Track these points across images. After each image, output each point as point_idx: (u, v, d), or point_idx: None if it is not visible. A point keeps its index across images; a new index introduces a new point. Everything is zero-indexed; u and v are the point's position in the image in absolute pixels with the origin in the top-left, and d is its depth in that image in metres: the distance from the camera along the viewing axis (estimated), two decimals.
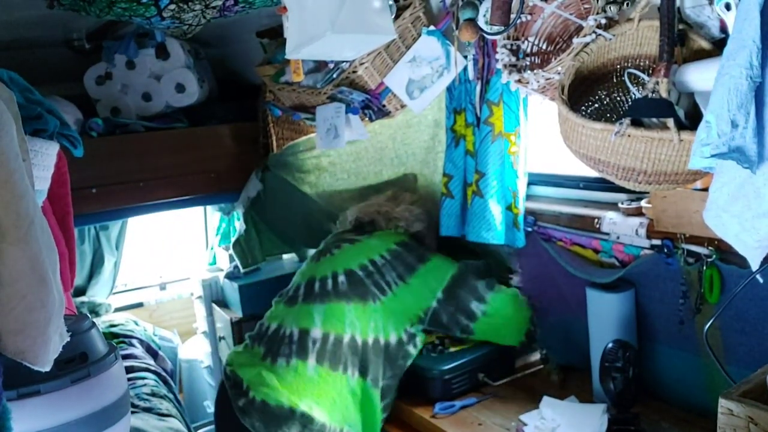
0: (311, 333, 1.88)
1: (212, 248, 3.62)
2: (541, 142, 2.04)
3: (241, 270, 3.02)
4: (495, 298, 1.99)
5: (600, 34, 1.44)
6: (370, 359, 1.88)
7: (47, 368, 1.08)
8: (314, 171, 2.70)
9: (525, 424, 1.75)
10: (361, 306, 1.90)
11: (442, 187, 2.16)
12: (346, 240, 2.14)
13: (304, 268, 2.13)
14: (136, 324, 3.47)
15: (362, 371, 1.88)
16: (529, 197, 2.02)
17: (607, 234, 1.77)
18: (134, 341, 3.25)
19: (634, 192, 1.54)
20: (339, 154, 2.55)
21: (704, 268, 1.54)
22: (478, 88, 2.00)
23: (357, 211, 2.25)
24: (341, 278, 1.95)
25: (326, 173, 2.66)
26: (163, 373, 3.01)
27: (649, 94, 1.30)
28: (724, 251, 1.49)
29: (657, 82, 1.29)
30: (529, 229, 2.01)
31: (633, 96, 1.47)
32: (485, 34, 1.76)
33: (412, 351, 1.96)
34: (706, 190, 1.36)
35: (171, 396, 2.90)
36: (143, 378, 2.92)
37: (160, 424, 2.63)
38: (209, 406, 3.51)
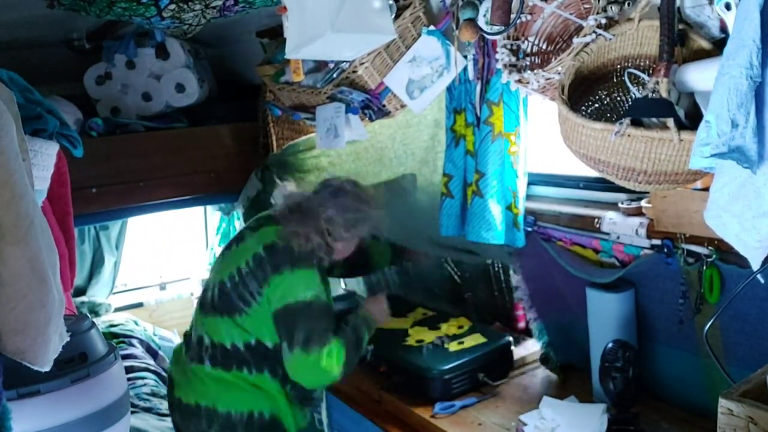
0: (204, 340, 2.02)
1: (212, 248, 3.62)
2: (541, 142, 2.03)
3: None
4: (295, 356, 1.91)
5: (600, 34, 1.44)
6: (260, 358, 1.98)
7: (47, 368, 1.08)
8: (314, 171, 2.70)
9: (525, 424, 1.75)
10: (230, 319, 1.98)
11: (442, 187, 2.16)
12: (241, 237, 2.12)
13: (214, 265, 2.20)
14: (136, 324, 3.47)
15: (257, 368, 1.98)
16: (529, 197, 2.02)
17: (607, 234, 1.76)
18: (134, 341, 3.25)
19: (634, 192, 1.54)
20: (339, 154, 2.55)
21: (704, 268, 1.54)
22: (478, 88, 1.99)
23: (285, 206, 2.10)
24: (216, 291, 2.03)
25: (326, 173, 2.66)
26: (163, 373, 3.01)
27: (649, 94, 1.30)
28: (724, 251, 1.49)
29: (657, 82, 1.29)
30: (529, 229, 2.00)
31: (633, 96, 1.47)
32: (485, 34, 1.75)
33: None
34: (706, 190, 1.36)
35: None
36: (143, 378, 2.93)
37: (160, 424, 2.63)
38: None
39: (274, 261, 1.95)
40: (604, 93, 1.55)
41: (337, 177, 2.16)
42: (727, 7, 1.20)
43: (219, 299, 2.01)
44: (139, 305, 3.80)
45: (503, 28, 1.55)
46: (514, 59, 1.63)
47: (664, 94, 1.28)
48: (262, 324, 1.95)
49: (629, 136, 1.25)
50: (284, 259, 1.94)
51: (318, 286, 1.95)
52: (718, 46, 1.32)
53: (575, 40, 1.47)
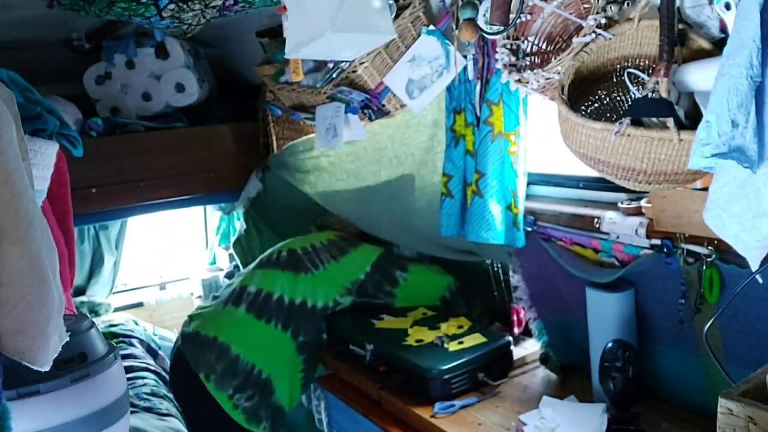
0: (248, 288, 2.32)
1: (212, 248, 3.62)
2: (541, 142, 2.03)
3: (241, 269, 3.02)
4: (415, 268, 2.41)
5: (600, 34, 1.44)
6: (294, 317, 2.27)
7: (47, 368, 1.08)
8: (314, 171, 2.70)
9: (525, 424, 1.75)
10: (292, 275, 2.32)
11: (442, 186, 2.16)
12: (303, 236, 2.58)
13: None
14: (136, 324, 3.46)
15: (285, 325, 2.26)
16: (528, 197, 2.02)
17: (607, 234, 1.76)
18: (134, 341, 3.25)
19: (633, 192, 1.54)
20: (338, 155, 2.55)
21: (704, 267, 1.54)
22: (478, 87, 1.99)
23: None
24: (284, 254, 2.41)
25: (325, 173, 2.66)
26: (163, 373, 3.00)
27: (649, 94, 1.30)
28: (723, 251, 1.49)
29: (657, 82, 1.29)
30: (529, 229, 2.00)
31: (633, 96, 1.47)
32: (485, 34, 1.75)
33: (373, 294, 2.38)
34: (705, 189, 1.35)
35: (171, 396, 2.90)
36: (143, 378, 2.92)
37: (160, 424, 2.62)
38: None
39: (351, 241, 2.52)
40: (604, 93, 1.55)
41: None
42: (727, 6, 1.20)
43: (287, 259, 2.38)
44: (139, 305, 3.80)
45: (503, 28, 1.55)
46: (513, 59, 1.63)
47: (664, 94, 1.28)
48: (319, 286, 2.31)
49: (629, 135, 1.25)
50: (359, 240, 2.54)
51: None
52: (718, 46, 1.32)
53: (575, 39, 1.47)
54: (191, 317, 2.44)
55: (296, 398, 2.39)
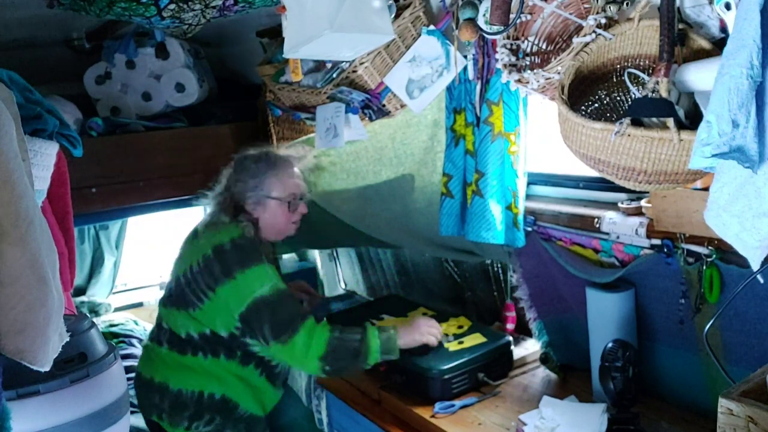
0: (163, 325, 2.16)
1: None
2: (541, 142, 2.03)
3: None
4: (275, 348, 1.99)
5: (600, 34, 1.44)
6: (215, 344, 2.07)
7: (47, 368, 1.08)
8: (314, 170, 2.70)
9: (525, 424, 1.75)
10: (186, 312, 2.08)
11: (442, 186, 2.16)
12: (195, 234, 2.17)
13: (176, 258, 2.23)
14: (136, 324, 3.47)
15: (213, 353, 2.07)
16: (528, 197, 2.02)
17: (607, 234, 1.76)
18: (134, 341, 3.25)
19: (634, 192, 1.54)
20: (339, 154, 2.55)
21: (704, 267, 1.54)
22: (478, 87, 1.99)
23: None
24: (173, 285, 2.14)
25: (326, 173, 2.66)
26: None
27: (649, 94, 1.30)
28: (724, 251, 1.49)
29: (657, 82, 1.29)
30: (529, 229, 2.00)
31: (633, 96, 1.47)
32: (485, 34, 1.75)
33: (250, 340, 2.05)
34: (706, 189, 1.36)
35: None
36: None
37: None
38: None
39: (224, 264, 1.99)
40: (604, 93, 1.55)
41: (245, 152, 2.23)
42: (727, 6, 1.20)
43: (175, 293, 2.12)
44: (139, 305, 3.80)
45: (503, 27, 1.55)
46: (513, 59, 1.63)
47: (664, 94, 1.28)
48: (215, 316, 2.03)
49: (629, 135, 1.25)
50: (233, 261, 1.99)
51: (272, 277, 2.01)
52: (718, 45, 1.32)
53: (575, 39, 1.47)
54: (144, 356, 2.27)
55: (271, 401, 2.24)
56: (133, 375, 2.86)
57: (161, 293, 3.80)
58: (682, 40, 1.35)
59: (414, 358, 2.01)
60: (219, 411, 2.09)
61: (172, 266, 2.20)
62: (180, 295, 2.08)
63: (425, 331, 2.04)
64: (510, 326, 2.29)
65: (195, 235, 2.16)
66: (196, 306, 2.04)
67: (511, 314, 2.29)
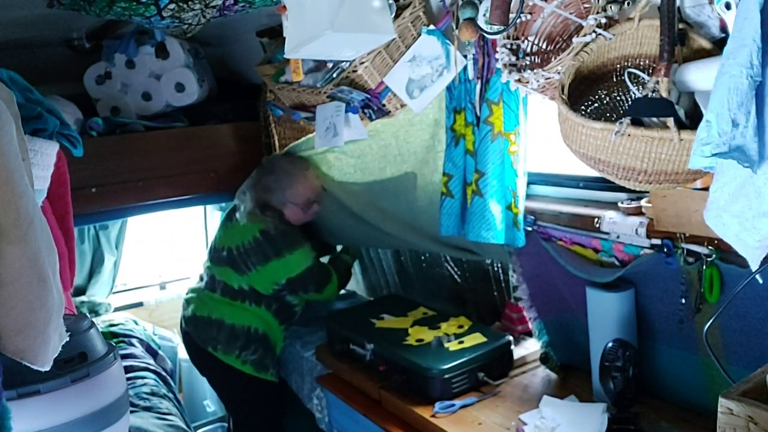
0: (216, 278, 2.75)
1: None
2: (541, 141, 2.03)
3: None
4: (313, 296, 2.75)
5: (600, 34, 1.44)
6: (256, 297, 2.68)
7: (47, 368, 1.08)
8: (321, 165, 2.69)
9: (525, 424, 1.75)
10: (237, 272, 2.68)
11: (442, 186, 2.16)
12: (236, 219, 2.75)
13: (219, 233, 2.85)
14: (136, 324, 3.46)
15: (256, 302, 2.68)
16: (528, 197, 2.02)
17: (607, 233, 1.76)
18: (134, 341, 3.25)
19: (634, 191, 1.54)
20: (343, 151, 2.54)
21: (704, 267, 1.54)
22: (478, 87, 1.99)
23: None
24: (226, 252, 2.71)
25: (332, 168, 2.66)
26: (163, 373, 3.01)
27: (650, 94, 1.30)
28: (724, 251, 1.49)
29: (657, 82, 1.29)
30: (529, 229, 2.01)
31: (633, 95, 1.47)
32: (485, 34, 1.75)
33: (287, 296, 2.72)
34: (706, 189, 1.36)
35: (171, 395, 2.90)
36: (143, 377, 2.92)
37: (160, 423, 2.63)
38: (209, 406, 3.51)
39: (274, 246, 2.63)
40: (604, 92, 1.55)
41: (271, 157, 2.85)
42: (727, 6, 1.20)
43: (228, 259, 2.69)
44: (139, 305, 3.80)
45: (503, 27, 1.55)
46: (513, 59, 1.63)
47: (664, 94, 1.28)
48: (259, 282, 2.65)
49: (629, 135, 1.25)
50: (283, 245, 2.64)
51: (310, 253, 2.69)
52: (718, 45, 1.32)
53: (575, 39, 1.47)
54: (187, 301, 2.83)
55: (280, 339, 2.80)
56: (133, 375, 2.87)
57: (161, 293, 3.85)
58: (682, 40, 1.35)
59: (414, 357, 2.01)
60: (262, 344, 2.69)
61: (220, 236, 2.80)
62: (233, 261, 2.67)
63: None
64: (519, 327, 2.29)
65: (232, 219, 2.75)
66: (245, 272, 2.65)
67: (519, 315, 2.29)
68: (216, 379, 2.85)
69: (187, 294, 2.89)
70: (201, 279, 2.84)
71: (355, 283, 3.33)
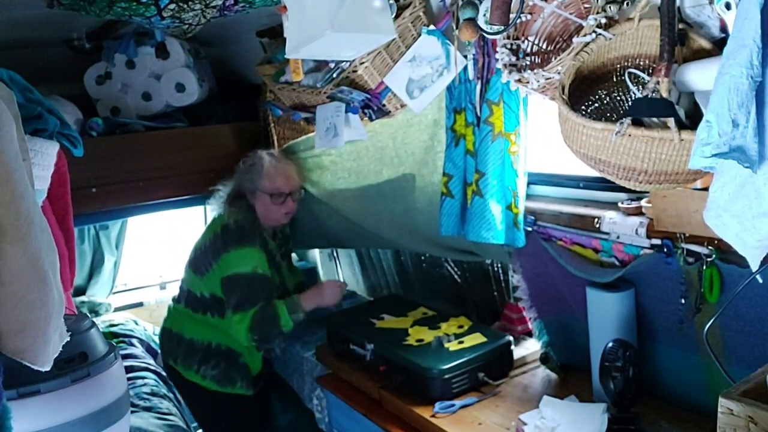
0: (183, 287, 2.68)
1: None
2: (541, 141, 2.03)
3: None
4: (229, 316, 2.48)
5: (600, 34, 1.44)
6: (218, 306, 2.53)
7: (47, 368, 1.08)
8: (315, 169, 2.70)
9: (525, 424, 1.75)
10: (199, 276, 2.58)
11: (442, 186, 2.16)
12: (213, 218, 2.70)
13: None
14: (136, 324, 3.47)
15: (218, 313, 2.53)
16: (529, 197, 2.02)
17: (607, 233, 1.76)
18: (134, 341, 3.25)
19: (634, 191, 1.54)
20: (340, 153, 2.55)
21: (704, 267, 1.54)
22: (478, 87, 1.99)
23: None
24: (193, 253, 2.65)
25: (327, 172, 2.66)
26: (163, 373, 3.01)
27: (650, 94, 1.30)
28: (724, 251, 1.49)
29: (657, 82, 1.29)
30: (529, 229, 2.01)
31: (633, 95, 1.47)
32: (485, 34, 1.75)
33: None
34: (706, 189, 1.36)
35: (171, 395, 2.90)
36: (143, 377, 2.93)
37: (160, 423, 2.63)
38: None
39: (225, 239, 2.50)
40: (604, 93, 1.55)
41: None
42: (727, 6, 1.20)
43: (192, 261, 2.64)
44: (139, 305, 3.80)
45: (503, 27, 1.55)
46: (514, 59, 1.63)
47: (665, 94, 1.28)
48: (216, 284, 2.51)
49: (630, 135, 1.25)
50: (232, 239, 2.49)
51: (257, 261, 2.48)
52: (718, 45, 1.32)
53: (575, 39, 1.47)
54: (168, 312, 2.80)
55: (258, 363, 2.65)
56: (133, 375, 2.88)
57: (161, 293, 3.86)
58: (682, 40, 1.35)
59: (414, 357, 2.01)
60: (224, 358, 2.56)
61: (199, 238, 2.69)
62: (195, 262, 2.61)
63: (326, 293, 2.56)
64: (516, 327, 2.29)
65: (213, 218, 2.69)
66: (205, 272, 2.54)
67: (519, 315, 2.28)
68: (183, 393, 2.78)
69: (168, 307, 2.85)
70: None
71: (355, 283, 3.33)
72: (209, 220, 2.73)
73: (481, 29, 1.71)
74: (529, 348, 2.21)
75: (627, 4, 1.45)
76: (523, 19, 1.63)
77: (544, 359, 2.10)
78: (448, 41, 1.99)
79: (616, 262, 1.80)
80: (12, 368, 1.06)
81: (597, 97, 1.55)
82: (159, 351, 2.77)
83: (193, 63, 2.94)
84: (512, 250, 2.09)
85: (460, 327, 2.24)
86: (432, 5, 2.09)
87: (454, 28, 1.93)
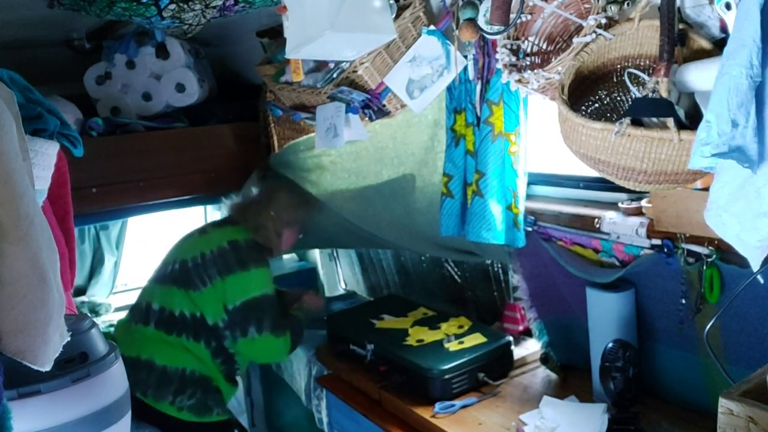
0: (152, 305, 2.37)
1: None
2: (541, 141, 2.03)
3: None
4: (265, 338, 2.33)
5: (600, 34, 1.44)
6: (199, 329, 2.32)
7: (47, 368, 1.08)
8: (315, 170, 2.70)
9: (525, 424, 1.75)
10: (185, 292, 2.33)
11: (442, 186, 2.16)
12: (204, 230, 2.56)
13: (174, 247, 2.55)
14: None
15: (195, 336, 2.32)
16: (529, 197, 2.02)
17: (607, 234, 1.77)
18: None
19: (634, 192, 1.54)
20: (339, 154, 2.55)
21: (704, 267, 1.54)
22: (478, 87, 1.99)
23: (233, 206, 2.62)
24: (177, 266, 2.39)
25: (327, 172, 2.66)
26: None
27: (650, 94, 1.30)
28: (724, 251, 1.49)
29: (657, 82, 1.29)
30: (529, 229, 2.01)
31: (633, 96, 1.47)
32: (485, 34, 1.75)
33: (227, 334, 2.35)
34: (706, 189, 1.36)
35: None
36: None
37: None
38: None
39: (239, 256, 2.34)
40: (604, 93, 1.55)
41: (274, 181, 2.71)
42: (727, 6, 1.20)
43: (179, 274, 2.37)
44: None
45: (503, 28, 1.55)
46: (514, 59, 1.63)
47: (664, 94, 1.28)
48: (209, 303, 2.31)
49: (629, 135, 1.25)
50: (249, 257, 2.35)
51: (272, 281, 2.40)
52: (718, 45, 1.32)
53: (575, 39, 1.47)
54: (113, 338, 2.38)
55: (230, 386, 2.47)
56: None
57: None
58: (682, 40, 1.35)
59: (414, 357, 2.01)
60: (200, 386, 2.32)
61: (170, 253, 2.48)
62: (185, 275, 2.34)
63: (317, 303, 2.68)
64: (516, 327, 2.29)
65: (204, 231, 2.52)
66: (197, 288, 2.31)
67: (517, 314, 2.29)
68: (156, 426, 2.35)
69: (116, 328, 2.56)
70: (131, 312, 2.51)
71: (356, 283, 3.33)
72: (192, 236, 2.51)
73: (481, 29, 1.71)
74: (529, 348, 2.21)
75: (627, 4, 1.45)
76: (523, 19, 1.63)
77: (544, 359, 2.10)
78: (448, 41, 1.99)
79: (617, 263, 1.80)
80: (12, 368, 1.06)
81: (597, 97, 1.55)
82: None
83: (193, 63, 2.94)
84: (512, 250, 2.09)
85: (460, 327, 2.24)
86: (432, 5, 2.09)
87: (454, 28, 1.93)
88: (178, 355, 2.31)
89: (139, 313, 2.41)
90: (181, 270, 2.36)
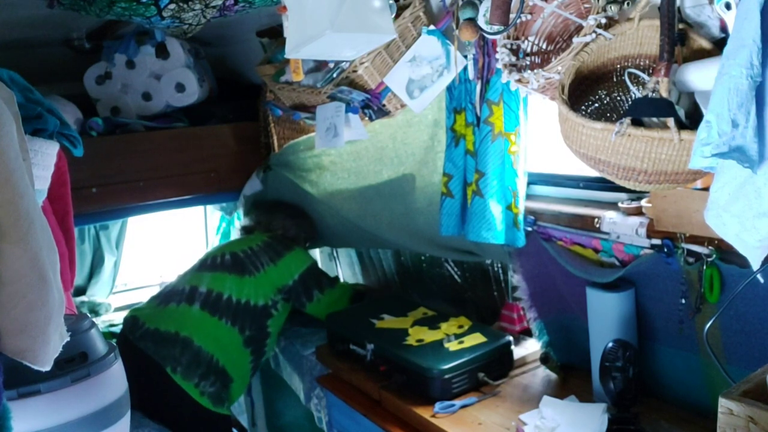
0: (199, 288, 2.54)
1: None
2: (541, 141, 2.03)
3: None
4: (329, 293, 2.68)
5: (600, 34, 1.44)
6: (240, 315, 2.50)
7: (47, 368, 1.08)
8: (315, 169, 2.70)
9: (525, 424, 1.75)
10: (239, 277, 2.55)
11: (442, 186, 2.16)
12: (239, 239, 2.91)
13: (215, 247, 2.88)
14: None
15: (233, 322, 2.48)
16: (529, 197, 2.02)
17: (607, 233, 1.76)
18: None
19: (634, 192, 1.54)
20: (339, 153, 2.55)
21: (704, 267, 1.54)
22: (478, 87, 1.99)
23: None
24: (227, 257, 2.62)
25: (327, 172, 2.66)
26: None
27: (650, 94, 1.30)
28: (724, 251, 1.49)
29: (657, 82, 1.29)
30: (529, 229, 2.01)
31: (633, 95, 1.47)
32: (485, 34, 1.75)
33: (274, 313, 2.58)
34: (706, 189, 1.36)
35: None
36: None
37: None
38: None
39: (282, 244, 2.69)
40: (604, 93, 1.55)
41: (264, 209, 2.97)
42: (727, 6, 1.20)
43: (231, 262, 2.60)
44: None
45: (503, 27, 1.55)
46: (514, 59, 1.63)
47: (664, 94, 1.28)
48: (261, 286, 2.55)
49: (629, 135, 1.25)
50: (290, 242, 2.74)
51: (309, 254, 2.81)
52: (718, 45, 1.32)
53: (575, 39, 1.47)
54: (135, 317, 2.56)
55: (243, 388, 2.64)
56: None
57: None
58: (682, 40, 1.35)
59: (414, 357, 2.02)
60: (220, 378, 2.46)
61: (215, 248, 2.79)
62: (237, 263, 2.58)
63: None
64: (515, 326, 2.29)
65: (241, 239, 2.89)
66: (252, 273, 2.56)
67: (517, 314, 2.29)
68: (165, 405, 2.41)
69: (136, 310, 2.62)
70: (163, 296, 2.61)
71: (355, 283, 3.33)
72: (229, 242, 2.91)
73: (481, 29, 1.71)
74: (529, 348, 2.21)
75: (627, 4, 1.45)
76: (523, 19, 1.63)
77: (544, 359, 2.10)
78: (448, 41, 2.00)
79: (616, 262, 1.80)
80: (12, 368, 1.06)
81: (597, 97, 1.55)
82: (149, 355, 2.39)
83: (193, 63, 2.94)
84: (512, 250, 2.09)
85: (460, 327, 2.24)
86: (432, 5, 2.09)
87: (454, 28, 1.93)
88: (213, 340, 2.45)
89: (180, 294, 2.55)
90: (233, 259, 2.60)
